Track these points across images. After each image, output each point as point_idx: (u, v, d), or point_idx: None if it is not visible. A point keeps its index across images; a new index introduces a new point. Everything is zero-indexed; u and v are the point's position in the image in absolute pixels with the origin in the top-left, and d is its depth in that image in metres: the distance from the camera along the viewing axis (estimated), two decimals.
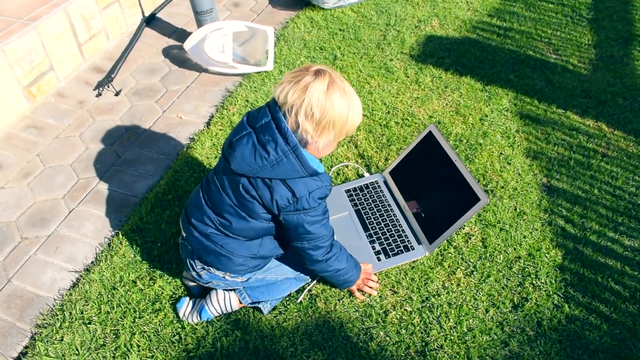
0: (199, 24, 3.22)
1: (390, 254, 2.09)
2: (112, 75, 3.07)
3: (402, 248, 2.11)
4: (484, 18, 3.57)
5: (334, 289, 1.99)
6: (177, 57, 3.27)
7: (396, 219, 2.21)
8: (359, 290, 1.97)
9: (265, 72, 3.08)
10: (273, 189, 1.59)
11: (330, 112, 1.52)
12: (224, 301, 1.89)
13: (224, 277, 1.83)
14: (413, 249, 2.10)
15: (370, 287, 1.98)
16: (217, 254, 1.75)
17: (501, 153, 2.53)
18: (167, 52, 3.32)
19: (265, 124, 1.55)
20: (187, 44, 3.08)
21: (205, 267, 1.80)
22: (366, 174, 2.43)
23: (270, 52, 3.11)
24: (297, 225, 1.66)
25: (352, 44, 3.31)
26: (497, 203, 2.29)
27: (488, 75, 3.03)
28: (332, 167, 2.47)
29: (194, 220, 1.78)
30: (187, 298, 1.94)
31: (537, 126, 2.69)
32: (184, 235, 1.83)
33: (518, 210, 2.27)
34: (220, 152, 2.56)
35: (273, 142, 1.53)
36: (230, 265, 1.78)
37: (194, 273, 1.84)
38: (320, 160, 1.84)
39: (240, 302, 1.91)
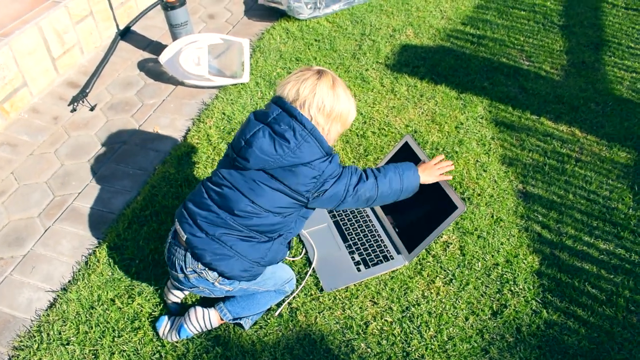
0: (174, 36, 3.20)
1: (369, 264, 2.10)
2: (87, 90, 3.04)
3: (381, 258, 2.12)
4: (457, 26, 3.61)
5: (314, 302, 1.98)
6: (153, 71, 3.25)
7: (375, 229, 2.22)
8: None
9: (241, 84, 3.08)
10: (297, 173, 1.66)
11: (337, 105, 1.70)
12: (202, 319, 1.87)
13: (213, 283, 1.80)
14: (392, 258, 2.11)
15: (446, 171, 2.01)
16: (224, 255, 1.73)
17: (477, 160, 2.56)
18: (142, 66, 3.30)
19: (277, 116, 1.67)
20: (163, 57, 3.07)
21: (198, 270, 1.77)
22: None
23: (246, 64, 3.11)
24: (331, 191, 1.73)
25: (328, 54, 3.33)
26: (474, 210, 2.31)
27: (463, 83, 3.07)
28: None
29: (201, 221, 1.75)
30: (166, 317, 1.92)
31: (512, 133, 2.73)
32: (184, 236, 1.78)
33: (495, 217, 2.29)
34: (195, 169, 2.55)
35: (291, 130, 1.63)
36: (234, 269, 1.75)
37: (181, 275, 1.80)
38: None
39: (221, 319, 1.89)
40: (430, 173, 1.96)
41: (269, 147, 1.63)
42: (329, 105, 1.69)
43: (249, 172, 1.69)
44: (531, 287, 2.03)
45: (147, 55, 3.39)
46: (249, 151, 1.64)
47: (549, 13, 3.75)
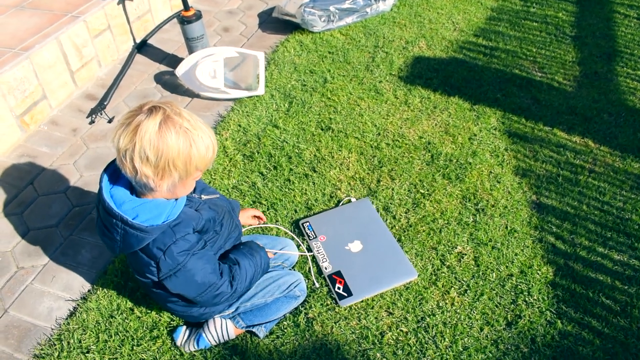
0: (190, 50, 3.26)
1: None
2: (105, 103, 3.09)
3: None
4: (470, 38, 3.64)
5: (330, 312, 2.01)
6: (169, 83, 3.31)
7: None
8: None
9: (256, 96, 3.12)
10: (137, 261, 1.58)
11: (166, 153, 1.40)
12: (221, 329, 1.89)
13: (212, 317, 1.90)
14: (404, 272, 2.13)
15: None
16: (177, 315, 1.85)
17: (491, 172, 2.58)
18: (159, 78, 3.35)
19: (102, 200, 1.53)
20: (179, 70, 3.12)
21: None
22: (353, 199, 2.46)
23: (261, 77, 3.16)
24: (177, 288, 1.62)
25: (342, 66, 3.37)
26: (488, 222, 2.33)
27: (476, 95, 3.09)
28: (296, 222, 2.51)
29: None
30: (184, 327, 1.96)
31: (525, 144, 2.75)
32: None
33: (509, 228, 2.31)
34: (211, 180, 2.59)
35: (111, 226, 1.51)
36: (195, 319, 1.87)
37: None
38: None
39: (237, 329, 1.92)
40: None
41: (105, 237, 1.56)
42: (154, 155, 1.38)
43: None
44: (545, 298, 2.04)
45: (163, 68, 3.45)
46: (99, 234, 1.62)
47: (561, 24, 3.76)
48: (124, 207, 1.50)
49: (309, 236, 2.26)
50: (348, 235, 2.27)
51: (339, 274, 2.11)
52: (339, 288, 2.06)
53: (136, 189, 1.54)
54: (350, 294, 2.04)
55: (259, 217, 2.29)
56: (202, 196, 1.74)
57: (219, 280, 1.67)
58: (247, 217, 2.24)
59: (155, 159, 1.39)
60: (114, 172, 1.56)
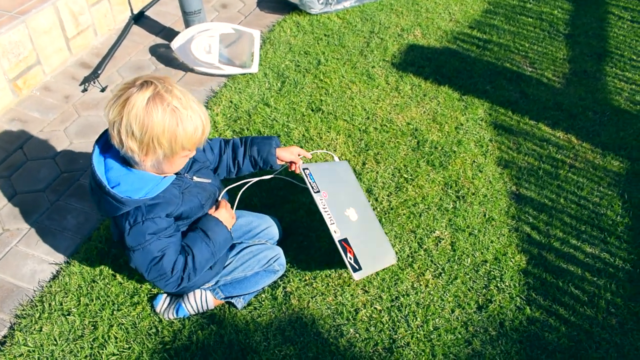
0: (187, 24, 3.27)
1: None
2: (99, 72, 3.11)
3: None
4: (464, 29, 3.67)
5: (307, 287, 2.06)
6: (164, 56, 3.33)
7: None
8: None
9: (250, 74, 3.15)
10: (113, 230, 1.66)
11: (151, 129, 1.40)
12: (200, 299, 1.94)
13: (190, 291, 1.95)
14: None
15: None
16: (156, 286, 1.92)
17: (474, 161, 2.63)
18: (154, 51, 3.37)
19: (91, 162, 1.56)
20: (175, 44, 3.14)
21: None
22: (335, 158, 2.40)
23: (255, 55, 3.18)
24: (134, 264, 1.62)
25: (336, 49, 3.40)
26: (468, 209, 2.39)
27: (466, 86, 3.14)
28: None
29: None
30: (165, 294, 2.00)
31: (510, 136, 2.80)
32: None
33: (487, 216, 2.36)
34: None
35: (93, 183, 1.56)
36: (173, 292, 1.93)
37: None
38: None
39: (216, 299, 1.97)
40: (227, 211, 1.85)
41: (92, 196, 1.62)
42: (139, 130, 1.39)
43: None
44: (517, 285, 2.10)
45: (159, 40, 3.46)
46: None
47: (555, 22, 3.80)
48: (110, 173, 1.53)
49: (312, 187, 2.04)
50: (344, 200, 2.13)
51: (347, 242, 1.99)
52: (350, 258, 1.95)
53: (126, 160, 1.57)
54: (360, 267, 1.95)
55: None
56: (194, 177, 1.74)
57: (170, 273, 1.63)
58: (292, 154, 2.05)
59: (140, 134, 1.40)
60: (108, 141, 1.57)
